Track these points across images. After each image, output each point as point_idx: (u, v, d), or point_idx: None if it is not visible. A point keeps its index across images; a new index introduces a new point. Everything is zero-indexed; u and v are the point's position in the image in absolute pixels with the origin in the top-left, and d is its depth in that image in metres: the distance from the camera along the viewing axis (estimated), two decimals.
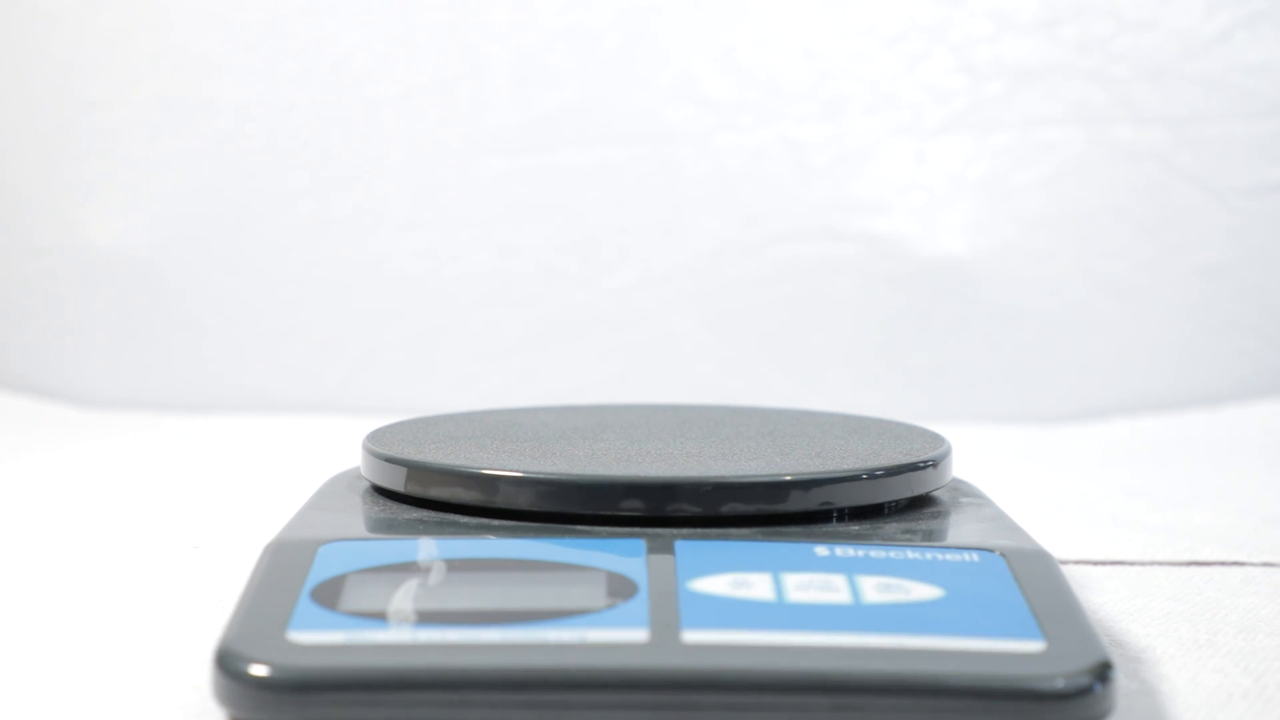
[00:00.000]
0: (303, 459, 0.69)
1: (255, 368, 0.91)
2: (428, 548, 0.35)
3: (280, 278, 0.91)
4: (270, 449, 0.77)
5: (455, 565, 0.34)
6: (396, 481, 0.40)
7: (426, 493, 0.39)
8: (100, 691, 0.34)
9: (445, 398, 0.89)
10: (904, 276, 0.86)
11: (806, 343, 0.88)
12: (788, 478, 0.37)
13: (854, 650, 0.30)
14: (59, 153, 0.93)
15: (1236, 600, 0.43)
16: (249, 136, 0.91)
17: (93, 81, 0.91)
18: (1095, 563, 0.48)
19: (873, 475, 0.38)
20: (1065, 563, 0.46)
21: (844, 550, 0.35)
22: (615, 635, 0.30)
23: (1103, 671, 0.29)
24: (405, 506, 0.40)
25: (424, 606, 0.31)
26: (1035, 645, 0.30)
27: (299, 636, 0.30)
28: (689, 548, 0.35)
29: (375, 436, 0.43)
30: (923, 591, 0.32)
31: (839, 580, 0.33)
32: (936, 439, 0.43)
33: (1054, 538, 0.48)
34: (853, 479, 0.38)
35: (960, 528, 0.38)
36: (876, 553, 0.35)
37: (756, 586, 0.32)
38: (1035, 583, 0.33)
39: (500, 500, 0.37)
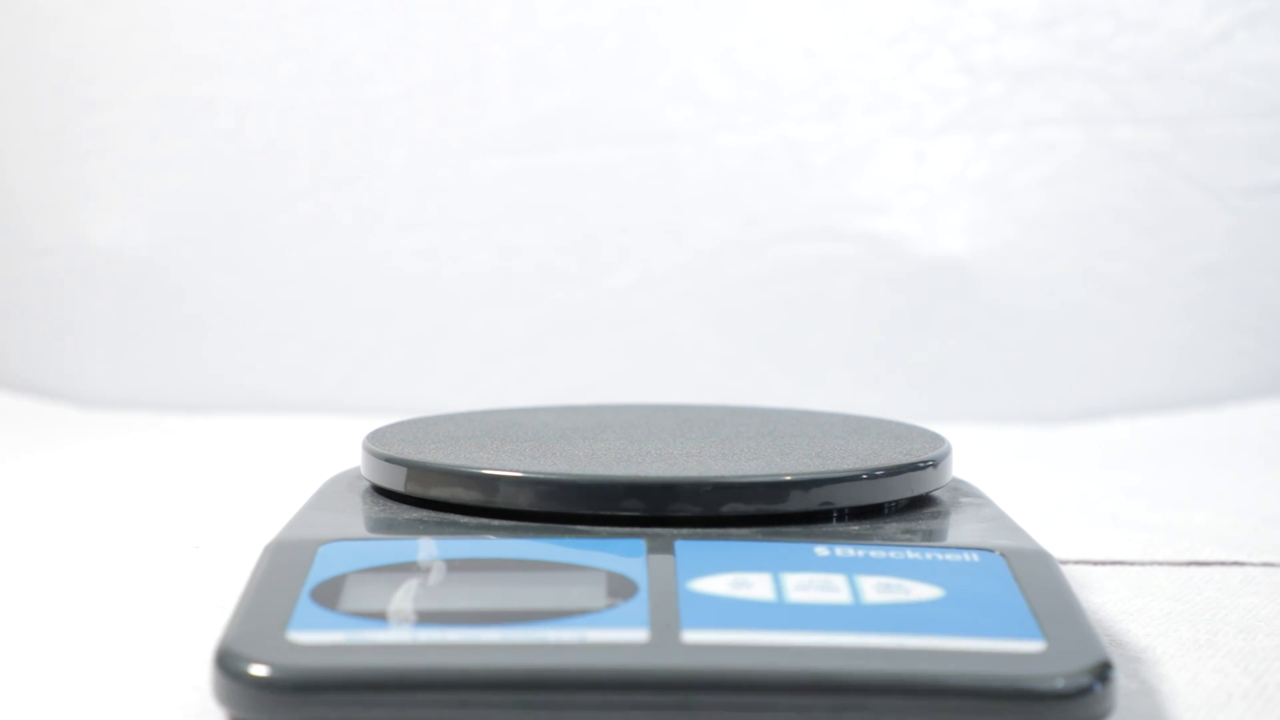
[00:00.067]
0: (303, 459, 0.69)
1: (255, 368, 0.91)
2: (428, 548, 0.35)
3: (280, 278, 0.91)
4: (270, 449, 0.77)
5: (455, 565, 0.34)
6: (396, 481, 0.40)
7: (426, 493, 0.39)
8: (100, 691, 0.34)
9: (445, 398, 0.89)
10: (904, 276, 0.86)
11: (806, 343, 0.88)
12: (788, 478, 0.37)
13: (854, 650, 0.30)
14: (59, 153, 0.93)
15: (1236, 600, 0.43)
16: (249, 136, 0.91)
17: (92, 81, 0.91)
18: (1095, 563, 0.48)
19: (873, 475, 0.38)
20: (1065, 563, 0.46)
21: (844, 550, 0.35)
22: (615, 635, 0.30)
23: (1103, 671, 0.29)
24: (405, 506, 0.40)
25: (424, 606, 0.31)
26: (1035, 645, 0.30)
27: (299, 636, 0.30)
28: (689, 548, 0.35)
29: (375, 436, 0.43)
30: (923, 591, 0.32)
31: (839, 580, 0.33)
32: (936, 439, 0.43)
33: (1054, 538, 0.48)
34: (853, 479, 0.38)
35: (960, 528, 0.38)
36: (876, 553, 0.35)
37: (756, 586, 0.32)
38: (1035, 583, 0.33)
39: (500, 500, 0.37)
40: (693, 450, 0.41)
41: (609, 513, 0.37)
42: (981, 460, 0.61)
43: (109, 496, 0.61)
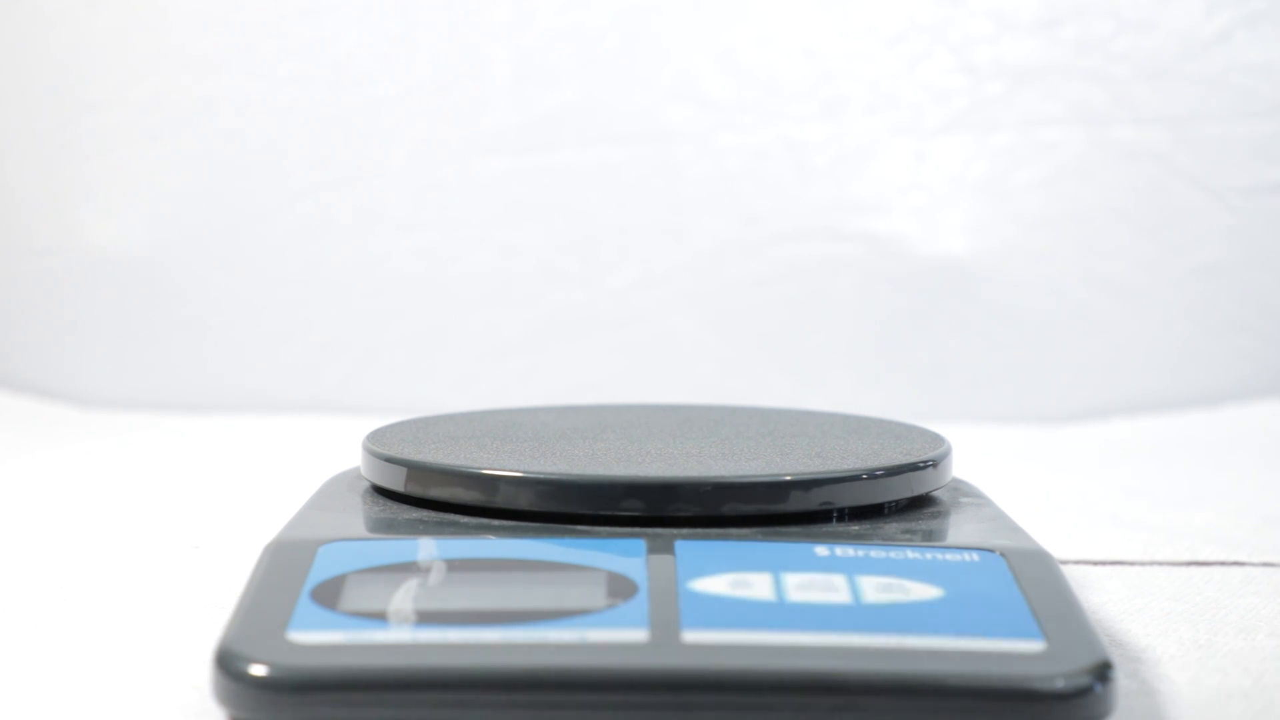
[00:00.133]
0: (303, 459, 0.69)
1: (255, 368, 0.91)
2: (428, 548, 0.35)
3: (280, 278, 0.91)
4: (270, 449, 0.77)
5: (455, 565, 0.34)
6: (396, 481, 0.40)
7: (426, 493, 0.39)
8: (100, 691, 0.34)
9: (445, 398, 0.88)
10: (904, 276, 0.86)
11: (806, 343, 0.88)
12: (788, 478, 0.37)
13: (854, 650, 0.30)
14: (58, 153, 0.93)
15: (1236, 600, 0.43)
16: (249, 136, 0.91)
17: (92, 82, 0.91)
18: (1095, 563, 0.48)
19: (873, 475, 0.38)
20: (1065, 563, 0.46)
21: (844, 550, 0.35)
22: (615, 635, 0.30)
23: (1103, 671, 0.29)
24: (405, 506, 0.40)
25: (424, 606, 0.31)
26: (1035, 645, 0.30)
27: (299, 636, 0.30)
28: (689, 548, 0.35)
29: (375, 436, 0.43)
30: (923, 591, 0.32)
31: (839, 580, 0.33)
32: (936, 439, 0.43)
33: (1054, 538, 0.48)
34: (853, 479, 0.38)
35: (960, 528, 0.38)
36: (876, 553, 0.35)
37: (756, 586, 0.32)
38: (1035, 583, 0.33)
39: (500, 500, 0.37)
40: (693, 450, 0.41)
41: (609, 513, 0.37)
42: (981, 460, 0.61)
43: (109, 496, 0.61)
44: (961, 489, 0.43)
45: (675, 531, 0.36)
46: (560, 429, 0.45)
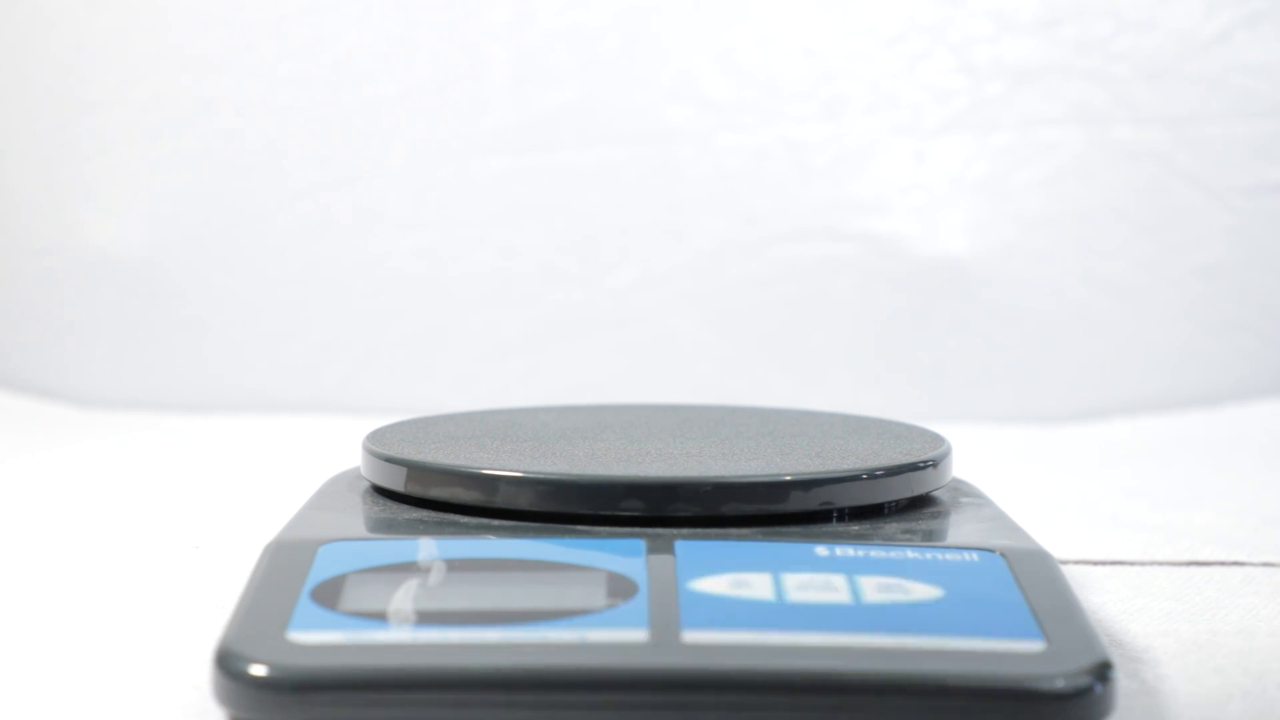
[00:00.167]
0: (303, 459, 0.69)
1: (255, 368, 0.91)
2: (428, 548, 0.35)
3: (280, 278, 0.91)
4: (270, 449, 0.77)
5: (455, 565, 0.34)
6: (396, 481, 0.40)
7: (426, 493, 0.39)
8: (100, 691, 0.34)
9: (445, 398, 0.88)
10: (904, 276, 0.86)
11: (806, 343, 0.88)
12: (788, 478, 0.37)
13: (854, 650, 0.30)
14: (58, 153, 0.93)
15: (1236, 600, 0.43)
16: (249, 136, 0.91)
17: (91, 82, 0.91)
18: (1095, 563, 0.48)
19: (873, 475, 0.38)
20: (1065, 563, 0.46)
21: (844, 550, 0.35)
22: (615, 635, 0.30)
23: (1103, 671, 0.29)
24: (405, 506, 0.40)
25: (424, 606, 0.31)
26: (1035, 645, 0.30)
27: (299, 636, 0.30)
28: (689, 548, 0.35)
29: (375, 436, 0.43)
30: (923, 591, 0.32)
31: (839, 580, 0.33)
32: (936, 439, 0.43)
33: (1054, 538, 0.48)
34: (853, 479, 0.38)
35: (960, 528, 0.38)
36: (876, 553, 0.35)
37: (756, 586, 0.32)
38: (1035, 583, 0.33)
39: (500, 500, 0.37)
40: (693, 450, 0.41)
41: (609, 513, 0.37)
42: (981, 460, 0.61)
43: (109, 496, 0.61)
44: (961, 489, 0.43)
45: (675, 531, 0.36)
46: (560, 429, 0.45)
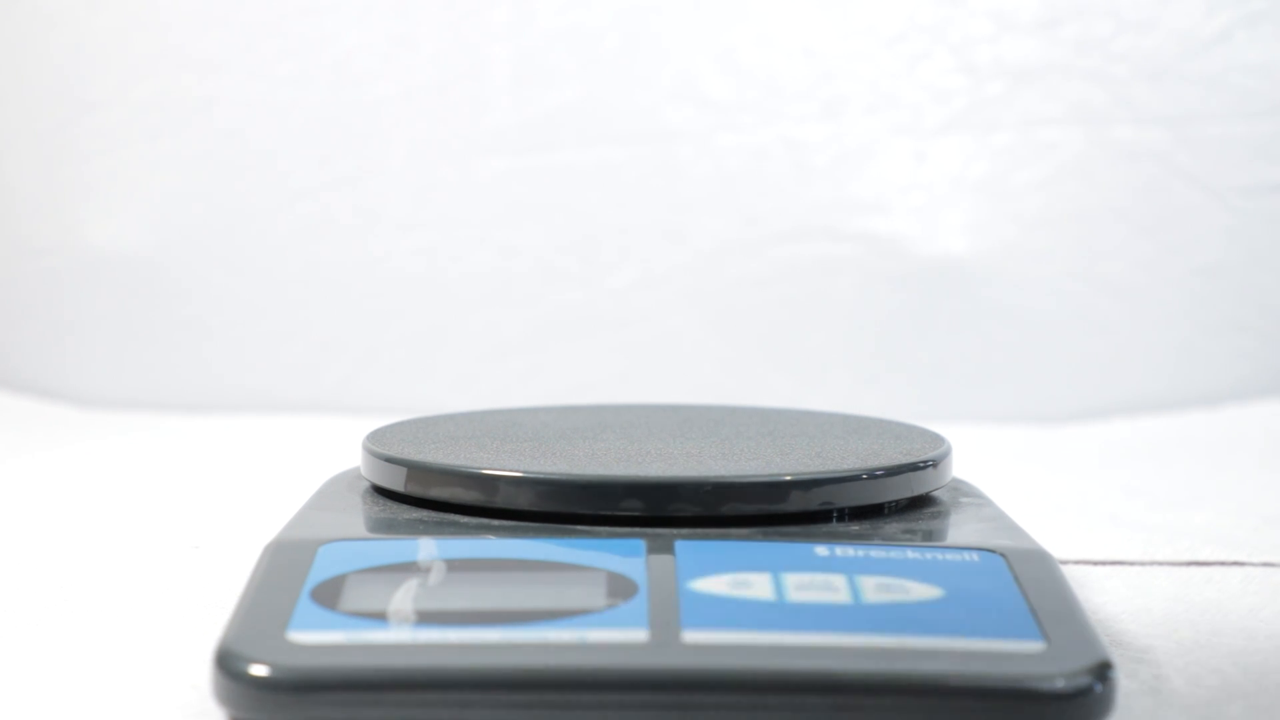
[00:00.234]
0: (303, 459, 0.69)
1: (256, 368, 0.91)
2: (428, 548, 0.35)
3: (280, 278, 0.91)
4: (270, 449, 0.77)
5: (455, 565, 0.34)
6: (396, 481, 0.40)
7: (426, 493, 0.39)
8: (100, 691, 0.34)
9: (445, 398, 0.89)
10: (904, 276, 0.86)
11: (806, 343, 0.88)
12: (788, 478, 0.37)
13: (854, 650, 0.30)
14: (58, 153, 0.93)
15: (1236, 600, 0.43)
16: (249, 136, 0.91)
17: (91, 82, 0.91)
18: (1095, 563, 0.48)
19: (873, 475, 0.38)
20: (1065, 563, 0.46)
21: (844, 550, 0.35)
22: (615, 635, 0.30)
23: (1103, 671, 0.29)
24: (405, 506, 0.40)
25: (424, 606, 0.31)
26: (1035, 645, 0.30)
27: (299, 636, 0.30)
28: (689, 548, 0.35)
29: (375, 436, 0.43)
30: (922, 591, 0.32)
31: (839, 580, 0.33)
32: (936, 439, 0.43)
33: (1054, 538, 0.48)
34: (853, 479, 0.38)
35: (960, 528, 0.38)
36: (876, 553, 0.35)
37: (756, 586, 0.32)
38: (1035, 583, 0.33)
39: (500, 500, 0.37)
40: (693, 450, 0.41)
41: (609, 513, 0.37)
42: (981, 460, 0.61)
43: (109, 496, 0.61)
44: (961, 489, 0.43)
45: (675, 531, 0.36)
46: (560, 429, 0.45)
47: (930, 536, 0.37)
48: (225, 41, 0.90)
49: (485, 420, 0.47)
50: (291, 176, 0.90)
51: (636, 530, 0.36)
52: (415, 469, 0.39)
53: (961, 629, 0.30)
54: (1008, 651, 0.30)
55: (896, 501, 0.39)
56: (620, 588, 0.32)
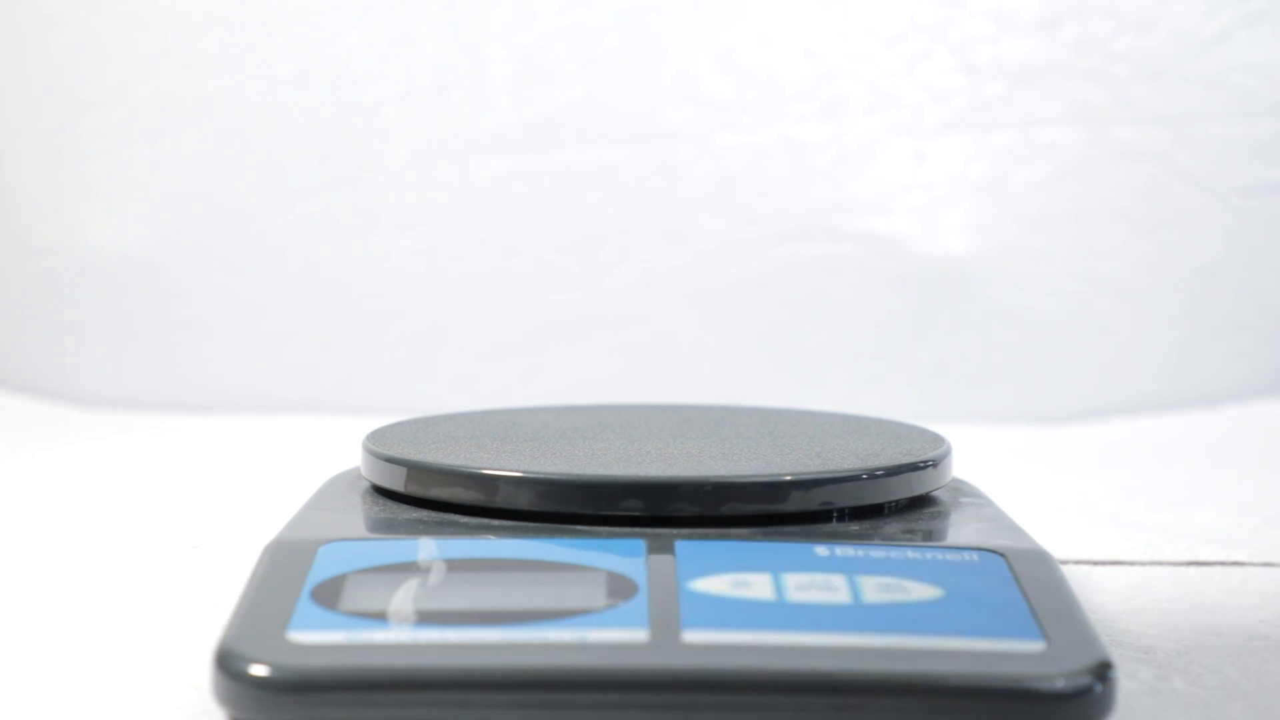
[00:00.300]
0: (303, 459, 0.69)
1: (255, 368, 0.91)
2: (428, 548, 0.35)
3: (280, 278, 0.91)
4: (270, 449, 0.77)
5: (455, 565, 0.34)
6: (396, 481, 0.40)
7: (426, 493, 0.39)
8: (100, 691, 0.34)
9: (445, 398, 0.89)
10: (904, 276, 0.86)
11: (806, 343, 0.88)
12: (788, 478, 0.37)
13: (854, 650, 0.30)
14: (58, 153, 0.93)
15: (1236, 600, 0.43)
16: (249, 136, 0.91)
17: (91, 82, 0.91)
18: (1095, 563, 0.48)
19: (873, 475, 0.38)
20: (1065, 563, 0.46)
21: (844, 550, 0.35)
22: (615, 635, 0.30)
23: (1103, 671, 0.29)
24: (405, 506, 0.40)
25: (424, 606, 0.31)
26: (1035, 645, 0.30)
27: (299, 636, 0.30)
28: (689, 548, 0.35)
29: (375, 436, 0.43)
30: (922, 591, 0.32)
31: (839, 580, 0.33)
32: (936, 439, 0.43)
33: (1054, 538, 0.48)
34: (853, 479, 0.38)
35: (960, 528, 0.38)
36: (876, 553, 0.35)
37: (756, 586, 0.32)
38: (1035, 583, 0.33)
39: (500, 500, 0.37)
40: (693, 450, 0.41)
41: (609, 513, 0.37)
42: (981, 460, 0.61)
43: (109, 496, 0.61)
44: (961, 489, 0.43)
45: (675, 531, 0.36)
46: (560, 429, 0.45)
47: (930, 536, 0.37)
48: (225, 41, 0.90)
49: (485, 420, 0.47)
50: (291, 176, 0.90)
51: (636, 530, 0.36)
52: (415, 469, 0.39)
53: (961, 629, 0.30)
54: (1008, 651, 0.30)
55: (896, 501, 0.39)
56: (620, 588, 0.32)
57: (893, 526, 0.38)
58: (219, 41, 0.90)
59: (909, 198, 0.86)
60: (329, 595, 0.32)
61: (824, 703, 0.29)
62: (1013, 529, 0.38)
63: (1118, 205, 0.85)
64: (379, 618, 0.31)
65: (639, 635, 0.30)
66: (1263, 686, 0.34)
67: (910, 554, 0.35)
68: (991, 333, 0.86)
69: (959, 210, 0.86)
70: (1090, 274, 0.86)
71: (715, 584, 0.32)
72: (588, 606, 0.31)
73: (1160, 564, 0.48)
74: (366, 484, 0.42)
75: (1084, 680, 0.29)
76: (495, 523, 0.37)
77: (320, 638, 0.30)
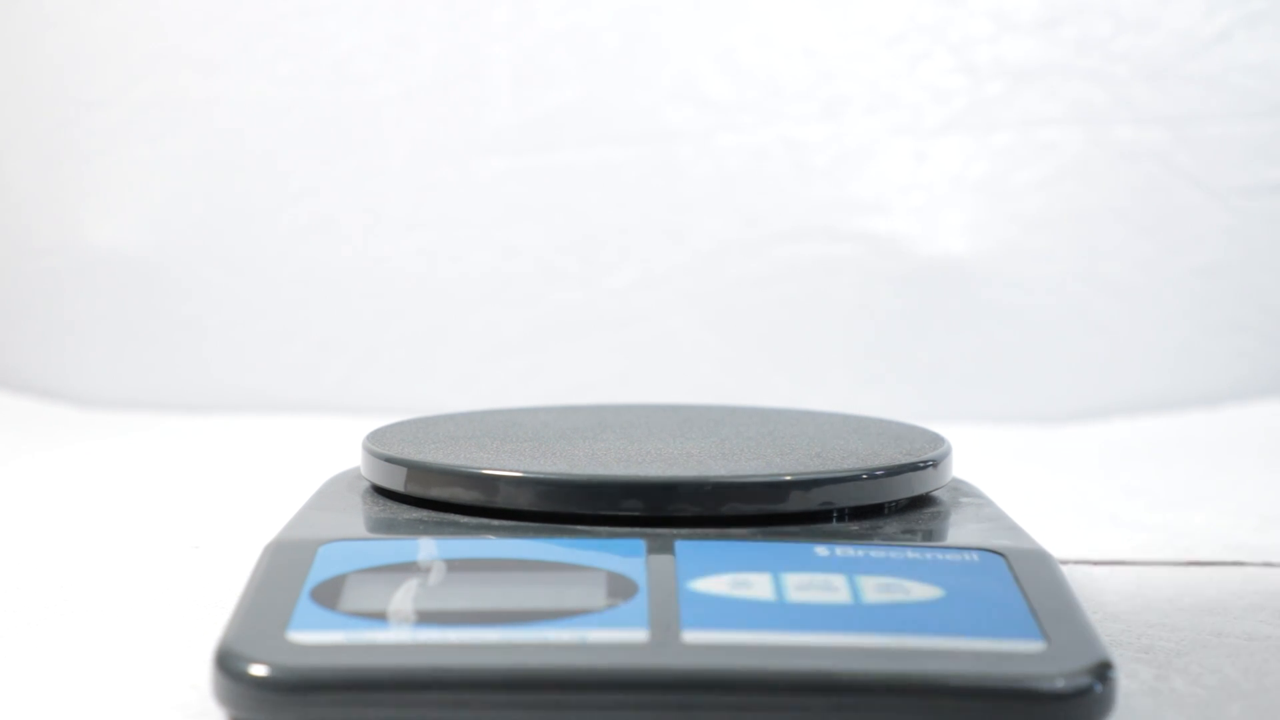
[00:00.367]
0: (303, 459, 0.69)
1: (255, 368, 0.91)
2: (428, 548, 0.35)
3: (280, 278, 0.91)
4: (270, 449, 0.77)
5: (455, 565, 0.34)
6: (396, 481, 0.40)
7: (426, 493, 0.39)
8: (100, 691, 0.34)
9: (445, 398, 0.88)
10: (903, 276, 0.86)
11: (806, 343, 0.88)
12: (788, 478, 0.37)
13: (854, 650, 0.30)
14: (58, 153, 0.93)
15: (1236, 600, 0.43)
16: (249, 136, 0.91)
17: (91, 82, 0.91)
18: (1095, 563, 0.48)
19: (873, 475, 0.38)
20: (1065, 563, 0.46)
21: (844, 550, 0.35)
22: (615, 635, 0.30)
23: (1103, 671, 0.29)
24: (405, 506, 0.40)
25: (424, 606, 0.31)
26: (1035, 645, 0.30)
27: (299, 636, 0.30)
28: (689, 548, 0.35)
29: (375, 436, 0.43)
30: (922, 591, 0.32)
31: (839, 580, 0.33)
32: (936, 439, 0.43)
33: (1054, 538, 0.48)
34: (853, 479, 0.38)
35: (960, 528, 0.38)
36: (876, 553, 0.35)
37: (756, 586, 0.32)
38: (1035, 583, 0.33)
39: (500, 500, 0.37)
40: (693, 450, 0.41)
41: (609, 513, 0.37)
42: (981, 460, 0.61)
43: (109, 496, 0.61)
44: (961, 489, 0.43)
45: (675, 531, 0.36)
46: (560, 429, 0.45)
47: (930, 536, 0.37)
48: (225, 41, 0.90)
49: (485, 420, 0.47)
50: (291, 176, 0.90)
51: (636, 530, 0.36)
52: (415, 469, 0.39)
53: (961, 629, 0.30)
54: (1008, 651, 0.30)
55: (896, 501, 0.39)
56: (620, 588, 0.32)
57: (893, 526, 0.38)
58: (219, 41, 0.90)
59: (909, 198, 0.86)
60: (329, 595, 0.32)
61: (824, 703, 0.29)
62: (1013, 529, 0.38)
63: (1118, 205, 0.85)
64: (379, 618, 0.31)
65: (639, 635, 0.30)
66: (1263, 686, 0.34)
67: (910, 554, 0.35)
68: (991, 333, 0.86)
69: (959, 210, 0.86)
70: (1090, 274, 0.86)
71: (715, 584, 0.32)
72: (588, 606, 0.31)
73: (1160, 564, 0.48)
74: (366, 484, 0.42)
75: (1084, 680, 0.29)
76: (495, 523, 0.37)
77: (320, 638, 0.30)
